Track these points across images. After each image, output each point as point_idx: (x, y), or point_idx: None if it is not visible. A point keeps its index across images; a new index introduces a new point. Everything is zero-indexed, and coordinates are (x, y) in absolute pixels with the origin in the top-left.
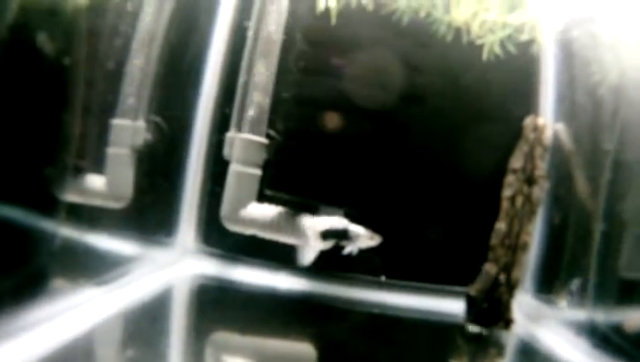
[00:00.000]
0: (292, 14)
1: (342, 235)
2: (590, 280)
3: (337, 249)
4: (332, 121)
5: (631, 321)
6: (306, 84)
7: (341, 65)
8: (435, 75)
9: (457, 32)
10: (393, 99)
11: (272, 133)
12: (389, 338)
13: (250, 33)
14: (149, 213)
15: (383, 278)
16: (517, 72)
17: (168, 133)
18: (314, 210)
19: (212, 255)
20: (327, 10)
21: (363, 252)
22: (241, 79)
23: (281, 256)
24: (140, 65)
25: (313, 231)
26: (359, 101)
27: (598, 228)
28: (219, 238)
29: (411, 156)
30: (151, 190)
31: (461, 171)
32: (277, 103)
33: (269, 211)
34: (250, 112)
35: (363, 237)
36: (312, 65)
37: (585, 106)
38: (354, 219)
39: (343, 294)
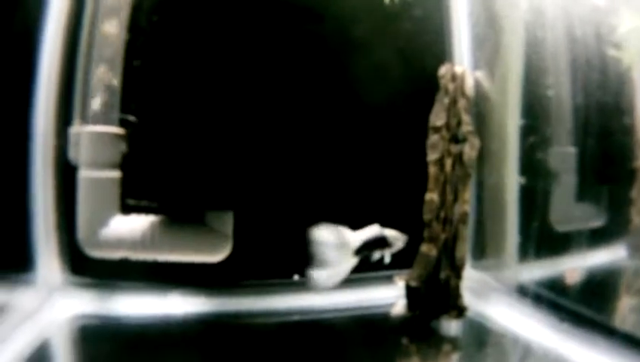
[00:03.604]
0: None
1: (379, 245)
2: (528, 239)
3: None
4: (206, 91)
5: (570, 272)
6: (164, 45)
7: (215, 15)
8: (340, 26)
9: None
10: (293, 54)
11: (129, 117)
12: (321, 351)
13: None
14: None
15: (297, 277)
16: (426, 17)
17: None
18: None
19: (85, 285)
20: None
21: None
22: (82, 51)
23: (168, 274)
24: None
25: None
26: (245, 64)
27: (535, 182)
28: (89, 263)
29: (316, 131)
30: None
31: (376, 136)
32: (128, 77)
33: (139, 225)
34: (97, 95)
35: (399, 240)
36: (172, 18)
37: None
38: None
39: (252, 307)
